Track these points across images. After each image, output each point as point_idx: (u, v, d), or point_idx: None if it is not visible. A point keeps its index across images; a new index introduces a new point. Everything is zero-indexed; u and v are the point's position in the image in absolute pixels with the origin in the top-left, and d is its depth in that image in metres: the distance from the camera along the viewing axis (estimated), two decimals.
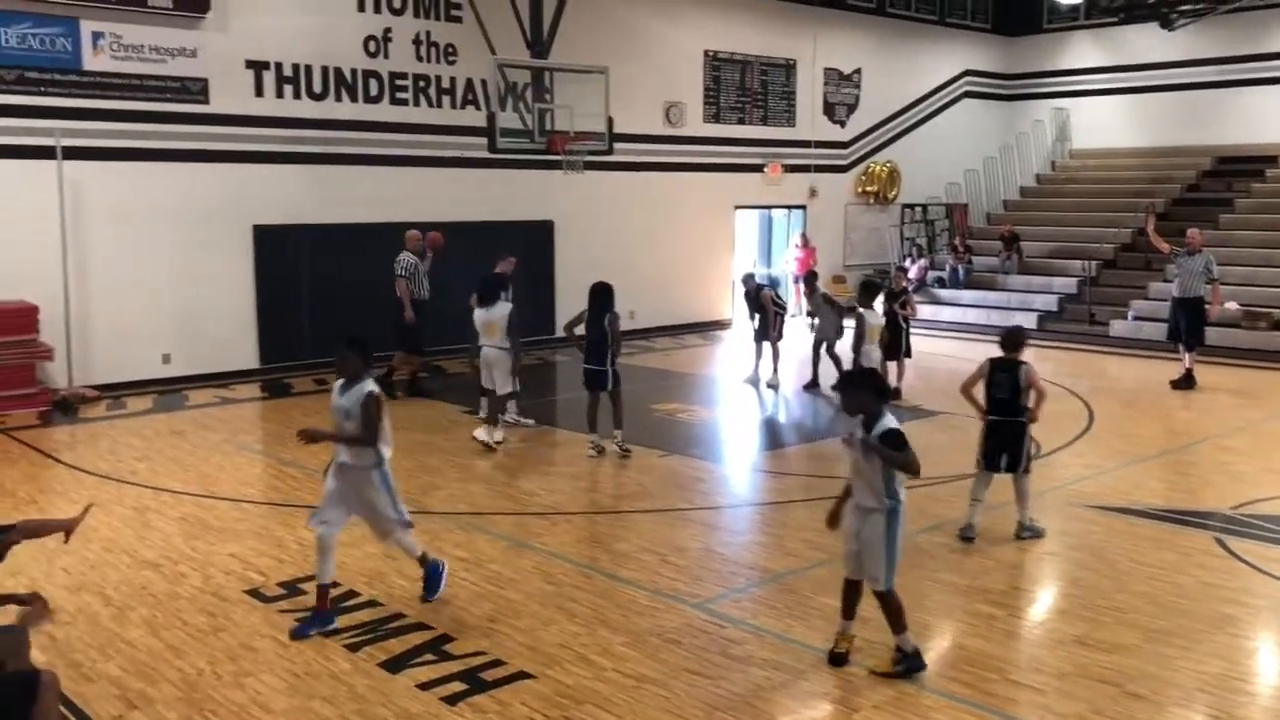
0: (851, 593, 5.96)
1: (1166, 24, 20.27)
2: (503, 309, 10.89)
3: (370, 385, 6.38)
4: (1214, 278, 14.36)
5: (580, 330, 10.79)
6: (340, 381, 6.52)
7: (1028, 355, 8.26)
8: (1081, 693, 5.54)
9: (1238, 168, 21.78)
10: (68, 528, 5.25)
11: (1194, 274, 14.28)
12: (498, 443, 10.86)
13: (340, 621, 6.44)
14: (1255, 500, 9.02)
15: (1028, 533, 8.02)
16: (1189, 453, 11.14)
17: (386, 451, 6.47)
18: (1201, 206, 20.84)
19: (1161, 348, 15.74)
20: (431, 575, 6.81)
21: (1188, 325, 14.28)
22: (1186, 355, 14.30)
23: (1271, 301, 17.24)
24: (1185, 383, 14.11)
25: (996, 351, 8.27)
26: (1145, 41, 22.79)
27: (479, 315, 10.96)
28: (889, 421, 5.71)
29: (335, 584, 6.69)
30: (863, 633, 6.20)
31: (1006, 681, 5.68)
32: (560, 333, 11.56)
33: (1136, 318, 18.14)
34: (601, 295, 10.61)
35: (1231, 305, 16.88)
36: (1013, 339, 8.29)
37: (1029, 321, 19.31)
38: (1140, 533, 8.28)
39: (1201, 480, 10.16)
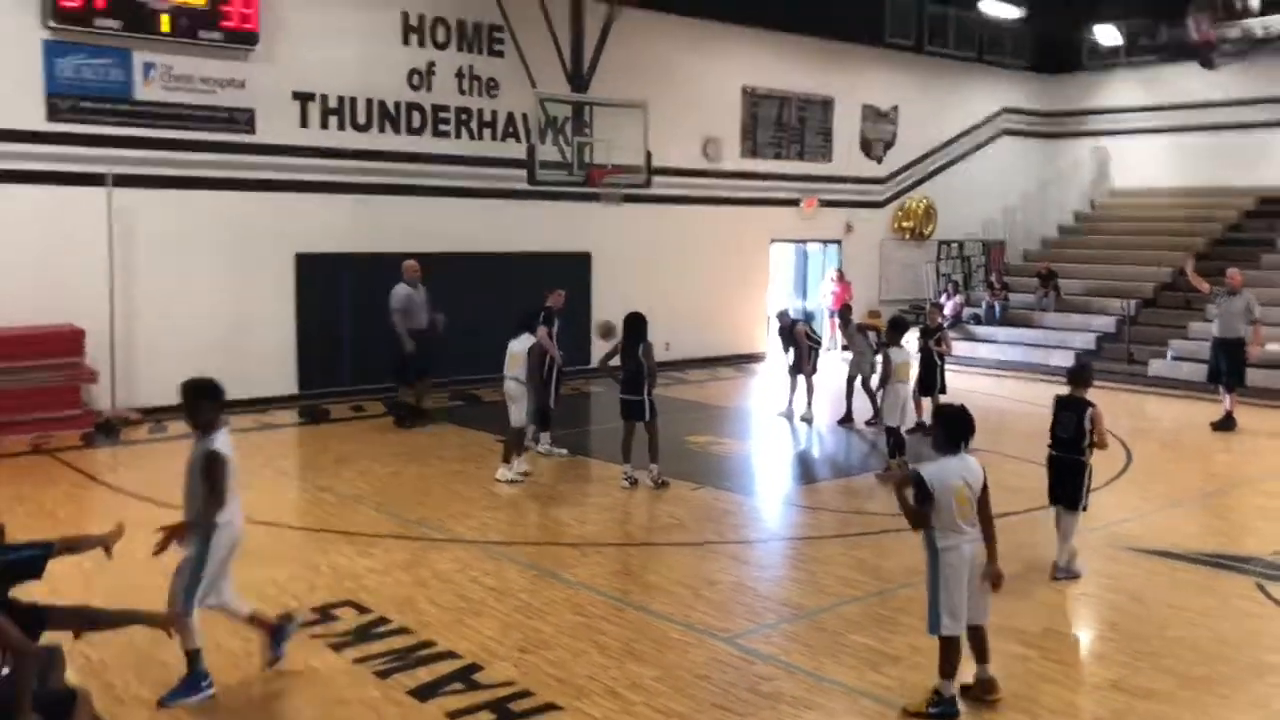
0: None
1: (1207, 63, 20.15)
2: (525, 342, 10.93)
3: (214, 442, 5.75)
4: (1255, 318, 14.20)
5: (616, 361, 10.84)
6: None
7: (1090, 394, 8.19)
8: None
9: None
10: (106, 544, 5.38)
11: (1235, 314, 14.15)
12: (523, 474, 10.88)
13: (371, 648, 6.49)
14: None
15: (1062, 574, 7.96)
16: (1229, 496, 10.98)
17: (221, 520, 5.76)
18: (1243, 247, 20.63)
19: (1201, 388, 15.55)
20: (190, 679, 5.80)
21: (1229, 366, 14.12)
22: (1227, 397, 14.12)
23: None
24: (1226, 424, 13.93)
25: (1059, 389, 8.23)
26: (1186, 81, 22.65)
27: (510, 347, 11.00)
28: (924, 465, 5.72)
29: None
30: (901, 671, 6.18)
31: None
32: (595, 364, 11.64)
33: (1176, 358, 17.95)
34: (635, 326, 10.66)
35: (1274, 347, 16.65)
36: (1080, 375, 8.31)
37: (1067, 360, 19.11)
38: (1179, 576, 8.17)
39: (1242, 524, 10.02)
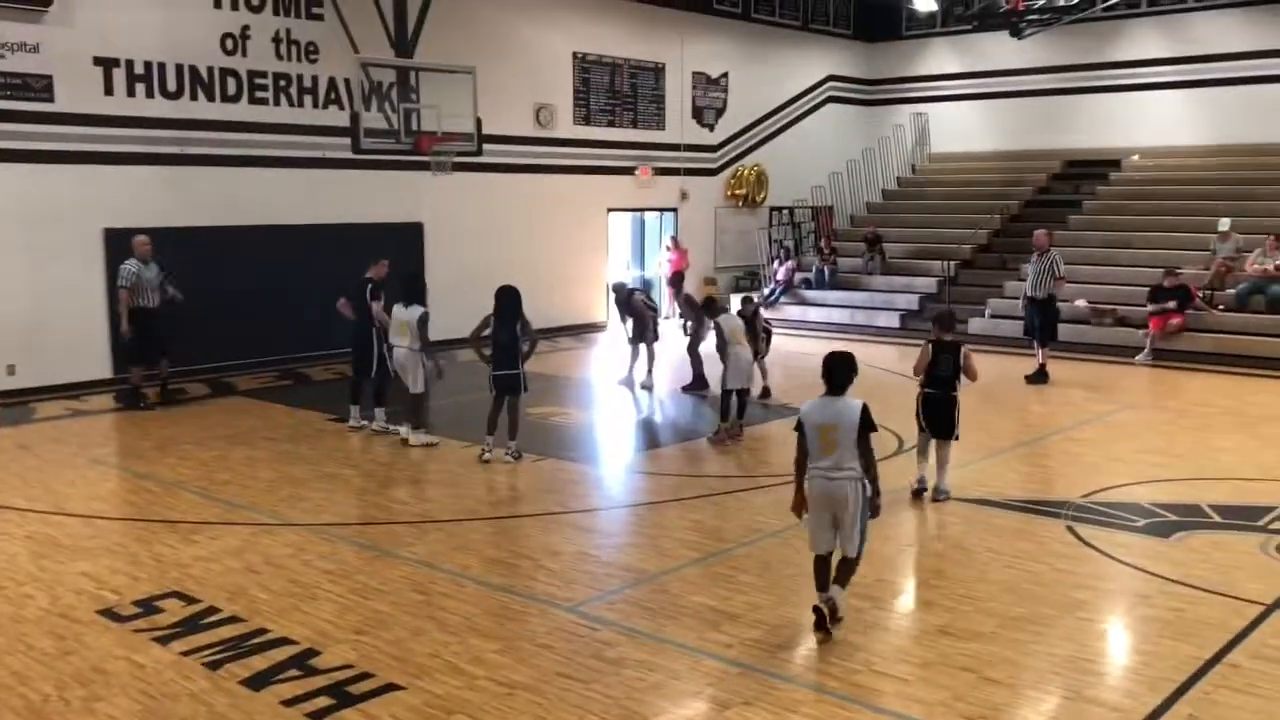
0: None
1: (1016, 33, 21.10)
2: (414, 311, 10.97)
3: None
4: (1059, 275, 14.99)
5: (486, 334, 10.64)
6: None
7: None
8: (944, 680, 5.71)
9: (1084, 171, 22.85)
10: None
11: (1043, 273, 14.91)
12: (403, 440, 11.02)
13: (199, 639, 6.21)
14: (1103, 489, 9.45)
15: (942, 495, 9.01)
16: (1043, 444, 11.59)
17: None
18: (1052, 208, 21.78)
19: (1018, 344, 16.33)
20: None
21: (1041, 322, 14.89)
22: (1040, 351, 14.90)
23: (1117, 298, 18.09)
24: (1039, 377, 14.70)
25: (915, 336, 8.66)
26: (997, 49, 23.68)
27: (396, 315, 11.06)
28: (806, 401, 6.49)
29: None
30: (740, 629, 6.27)
31: (872, 672, 5.80)
32: (464, 336, 11.34)
33: (994, 315, 18.82)
34: (510, 298, 10.47)
35: (1080, 302, 17.67)
36: (950, 321, 9.51)
37: (892, 320, 19.89)
38: (998, 523, 8.58)
39: (1054, 471, 10.60)
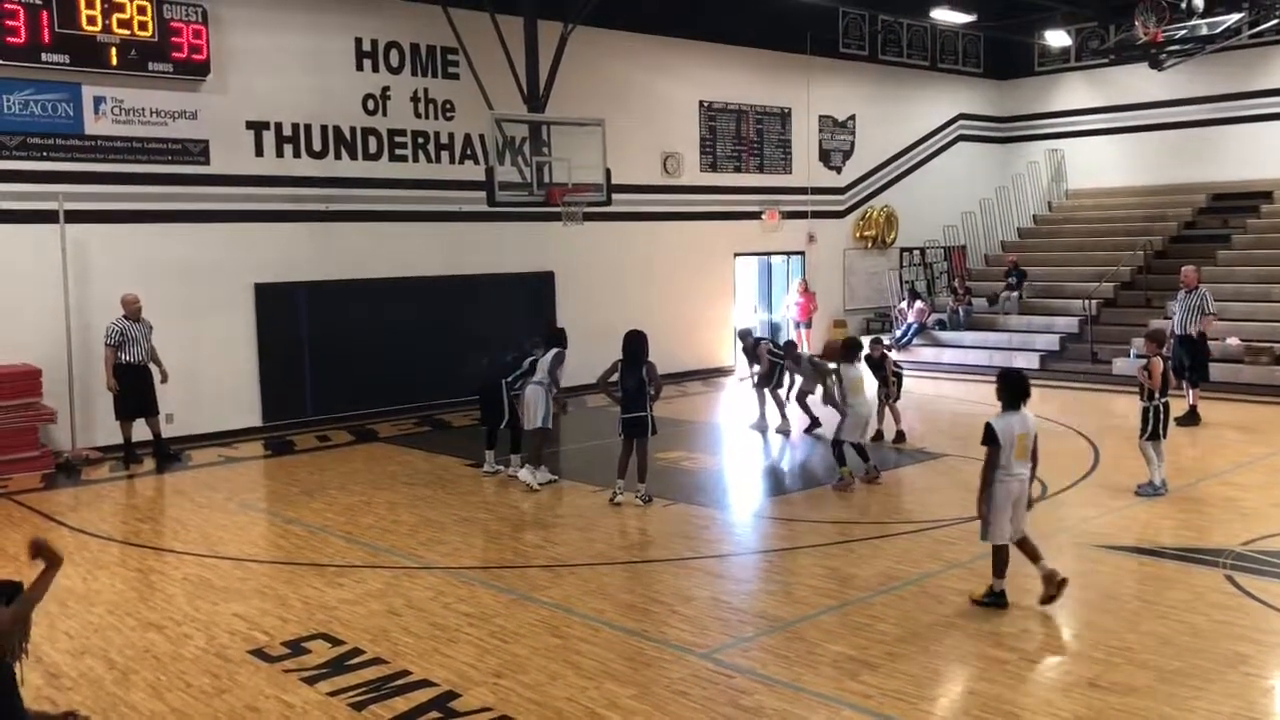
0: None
1: (1155, 64, 20.47)
2: (551, 353, 11.51)
3: None
4: (1209, 312, 14.39)
5: (614, 379, 10.83)
6: None
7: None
8: None
9: (1233, 204, 21.90)
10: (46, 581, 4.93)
11: (1191, 310, 14.34)
12: (541, 484, 11.27)
13: (345, 680, 6.39)
14: (1264, 536, 8.95)
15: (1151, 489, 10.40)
16: (1196, 490, 11.06)
17: None
18: (1199, 244, 20.92)
19: None
20: None
21: (1191, 362, 14.28)
22: (1190, 392, 14.27)
23: (1272, 336, 17.23)
24: (1190, 419, 14.06)
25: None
26: (1136, 82, 23.02)
27: (539, 365, 11.54)
28: (992, 418, 7.41)
29: None
30: (879, 679, 6.15)
31: None
32: (593, 381, 11.57)
33: (1139, 355, 18.09)
34: (637, 343, 10.67)
35: (1233, 340, 16.88)
36: (1162, 335, 11.26)
37: (1031, 361, 19.32)
38: (1150, 571, 8.21)
39: (1210, 517, 10.08)
